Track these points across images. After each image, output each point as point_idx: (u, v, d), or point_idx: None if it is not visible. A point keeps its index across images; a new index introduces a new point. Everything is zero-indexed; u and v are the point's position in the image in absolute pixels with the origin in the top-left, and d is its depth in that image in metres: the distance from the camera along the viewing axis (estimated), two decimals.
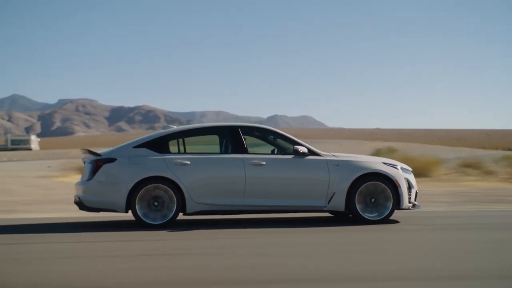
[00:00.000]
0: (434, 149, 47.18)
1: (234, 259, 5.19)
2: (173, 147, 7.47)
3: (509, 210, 9.41)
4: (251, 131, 7.83)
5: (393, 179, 7.35)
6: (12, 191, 14.64)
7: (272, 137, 7.88)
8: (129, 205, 7.10)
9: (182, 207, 7.16)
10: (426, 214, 8.57)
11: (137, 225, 7.10)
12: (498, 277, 4.42)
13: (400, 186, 7.35)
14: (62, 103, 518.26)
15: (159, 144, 7.38)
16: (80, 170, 23.55)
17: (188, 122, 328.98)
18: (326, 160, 7.41)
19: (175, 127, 7.88)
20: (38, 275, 4.59)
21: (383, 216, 7.32)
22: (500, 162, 20.17)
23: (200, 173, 7.20)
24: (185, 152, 7.43)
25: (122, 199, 7.07)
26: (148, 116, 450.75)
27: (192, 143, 7.69)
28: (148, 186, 7.09)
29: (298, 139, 7.66)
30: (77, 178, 20.27)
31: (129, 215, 7.28)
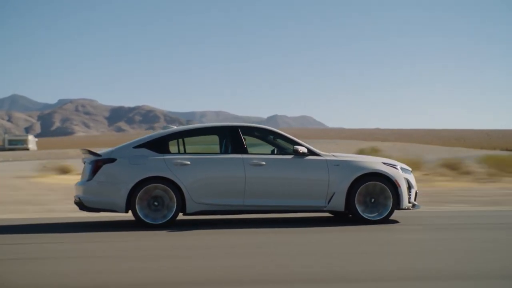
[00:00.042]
0: (431, 149, 47.20)
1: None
2: (173, 147, 7.48)
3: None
4: (251, 131, 7.84)
5: (393, 179, 7.35)
6: None
7: (272, 137, 7.89)
8: (129, 205, 7.10)
9: (182, 207, 7.17)
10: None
11: (137, 225, 7.10)
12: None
13: (399, 186, 7.36)
14: (62, 103, 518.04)
15: (159, 144, 7.39)
16: (60, 170, 23.52)
17: (188, 122, 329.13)
18: (326, 160, 7.41)
19: (175, 127, 7.88)
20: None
21: (383, 216, 7.33)
22: (484, 162, 20.09)
23: (200, 173, 7.20)
24: (185, 152, 7.44)
25: (122, 199, 7.08)
26: (148, 116, 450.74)
27: (192, 143, 7.70)
28: (148, 186, 7.10)
29: (298, 139, 7.67)
30: (55, 178, 20.25)
31: (129, 215, 7.28)
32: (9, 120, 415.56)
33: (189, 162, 7.22)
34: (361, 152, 24.64)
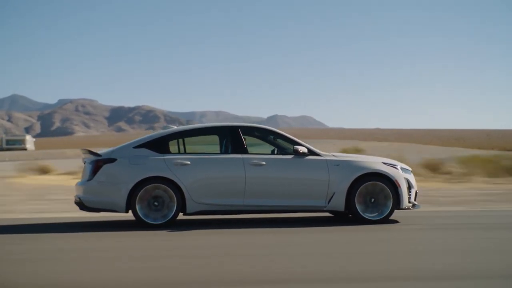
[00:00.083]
0: (428, 149, 47.11)
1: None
2: (173, 147, 7.48)
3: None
4: (251, 131, 7.84)
5: (393, 179, 7.35)
6: None
7: (272, 137, 7.89)
8: (129, 205, 7.10)
9: (182, 207, 7.17)
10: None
11: (138, 225, 7.10)
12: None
13: (400, 186, 7.36)
14: (62, 103, 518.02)
15: (159, 144, 7.39)
16: (40, 170, 23.25)
17: (188, 122, 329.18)
18: (326, 160, 7.41)
19: (175, 127, 7.89)
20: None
21: (383, 216, 7.33)
22: (467, 163, 19.99)
23: (200, 173, 7.20)
24: (185, 152, 7.44)
25: (122, 199, 7.08)
26: (148, 116, 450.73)
27: (192, 143, 7.70)
28: (148, 186, 7.10)
29: (298, 139, 7.68)
30: (32, 179, 19.96)
31: (129, 215, 7.28)
32: (9, 120, 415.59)
33: (189, 162, 7.22)
34: (344, 151, 24.65)
